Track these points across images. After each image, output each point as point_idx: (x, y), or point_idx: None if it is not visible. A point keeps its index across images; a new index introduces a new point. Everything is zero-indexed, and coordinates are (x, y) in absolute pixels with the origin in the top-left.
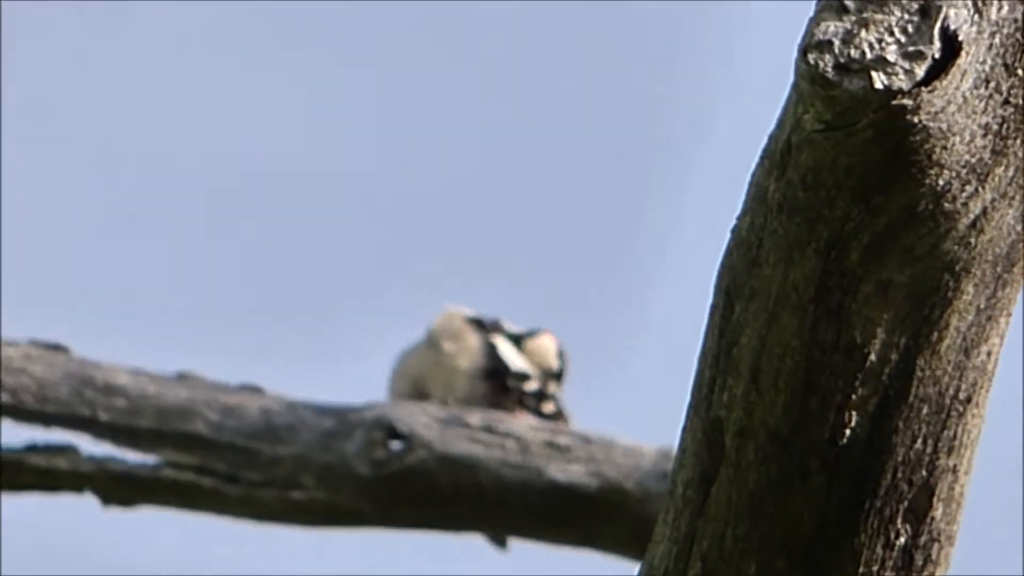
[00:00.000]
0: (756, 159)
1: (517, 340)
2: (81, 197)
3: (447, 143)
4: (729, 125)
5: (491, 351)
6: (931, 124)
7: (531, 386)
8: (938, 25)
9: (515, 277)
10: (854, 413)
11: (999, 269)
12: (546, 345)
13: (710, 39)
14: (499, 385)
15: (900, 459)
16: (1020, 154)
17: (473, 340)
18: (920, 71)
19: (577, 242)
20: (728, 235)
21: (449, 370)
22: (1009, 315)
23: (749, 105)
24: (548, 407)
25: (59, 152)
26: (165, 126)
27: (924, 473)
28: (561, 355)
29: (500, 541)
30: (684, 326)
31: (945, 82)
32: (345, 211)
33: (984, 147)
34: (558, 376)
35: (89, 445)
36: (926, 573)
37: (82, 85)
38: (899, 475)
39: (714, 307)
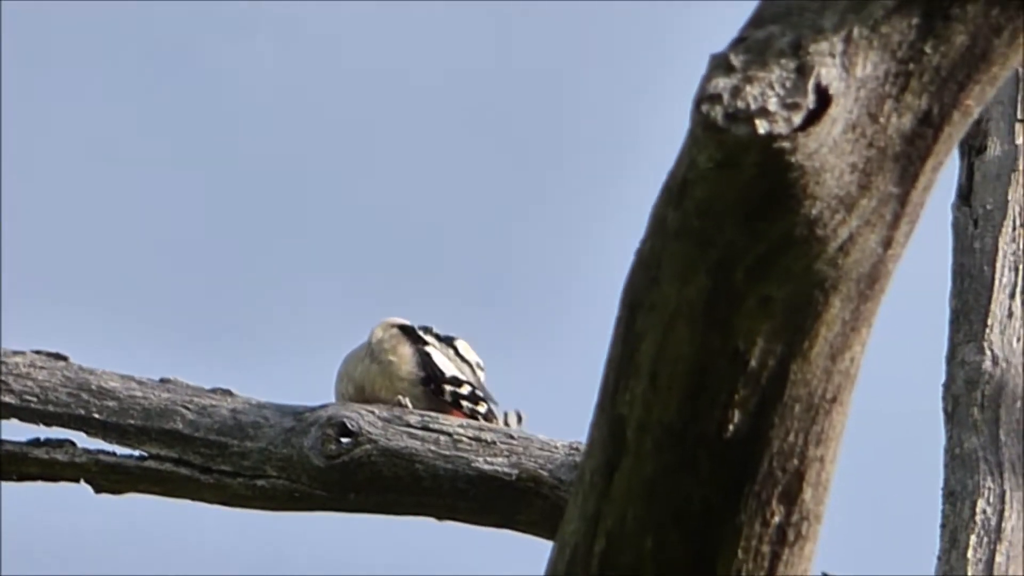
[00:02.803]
0: (657, 193)
1: (448, 341)
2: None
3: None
4: (635, 165)
5: (426, 359)
6: (806, 163)
7: (464, 389)
8: (812, 81)
9: (444, 289)
10: (737, 411)
11: (862, 286)
12: (466, 346)
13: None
14: (437, 388)
15: (775, 450)
16: (882, 188)
17: (408, 350)
18: (797, 119)
19: (506, 266)
20: (632, 257)
21: (391, 377)
22: (870, 326)
23: (657, 147)
24: (480, 407)
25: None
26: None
27: (796, 462)
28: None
29: (440, 518)
30: (591, 338)
31: (818, 128)
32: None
33: (851, 182)
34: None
35: (84, 441)
36: (797, 547)
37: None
38: (775, 464)
39: (619, 319)
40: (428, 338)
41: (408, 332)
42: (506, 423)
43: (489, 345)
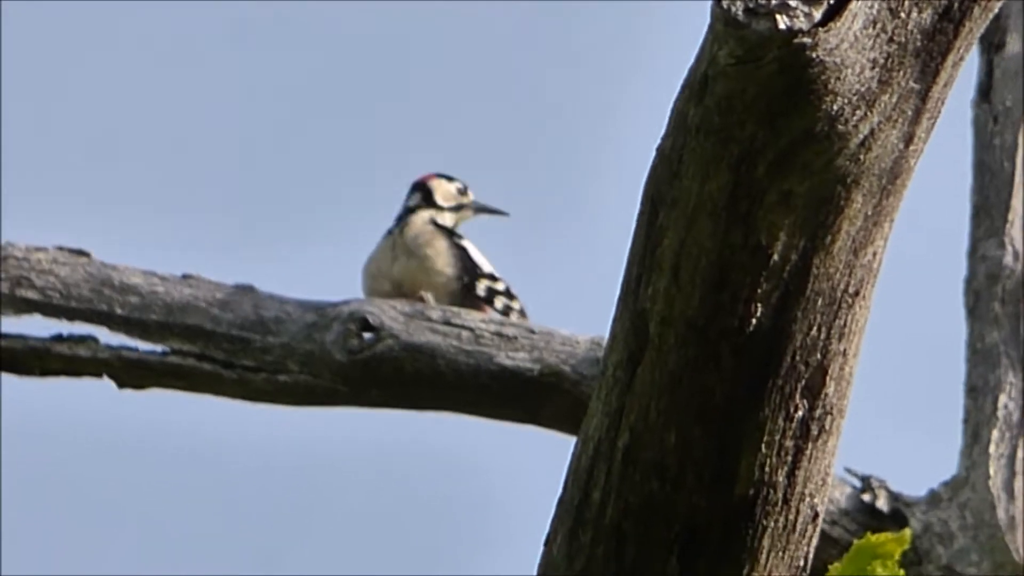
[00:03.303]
0: (677, 89)
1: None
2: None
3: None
4: (653, 62)
5: (463, 254)
6: (827, 59)
7: (500, 285)
8: None
9: (475, 182)
10: (759, 305)
11: (884, 181)
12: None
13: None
14: (470, 283)
15: (798, 344)
16: (903, 84)
17: (444, 244)
18: (817, 14)
19: (528, 161)
20: (653, 153)
21: (429, 272)
22: (892, 221)
23: (673, 46)
24: (515, 303)
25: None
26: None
27: (818, 356)
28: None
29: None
30: (613, 232)
31: (839, 23)
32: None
33: (872, 78)
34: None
35: (107, 336)
36: (821, 441)
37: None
38: (797, 358)
39: (641, 214)
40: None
41: (441, 227)
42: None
43: (511, 242)
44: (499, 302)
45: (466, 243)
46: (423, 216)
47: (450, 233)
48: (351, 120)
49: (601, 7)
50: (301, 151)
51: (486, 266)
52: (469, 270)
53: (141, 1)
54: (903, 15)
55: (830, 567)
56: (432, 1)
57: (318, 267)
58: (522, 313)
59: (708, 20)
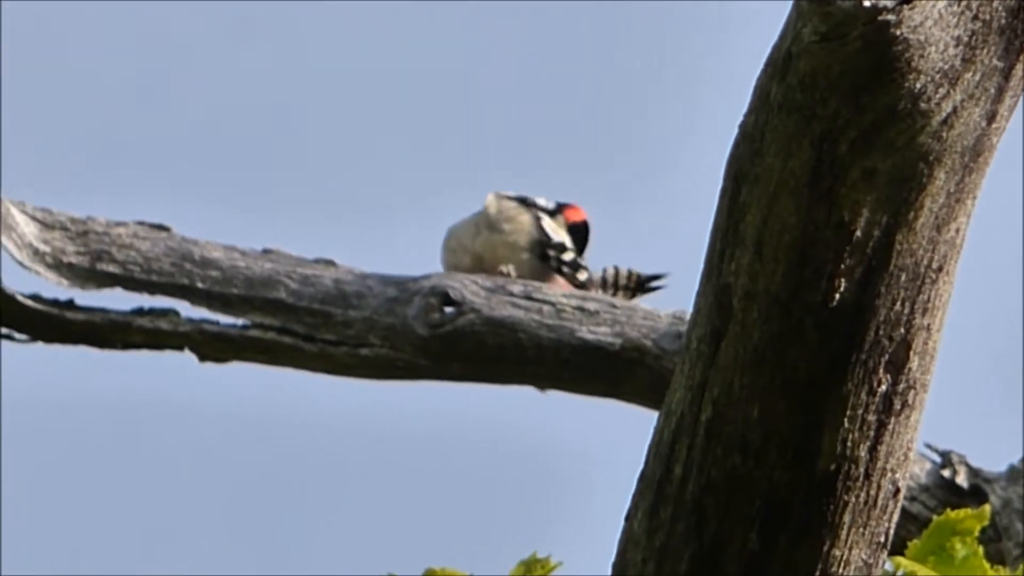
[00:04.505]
0: (761, 66)
1: (551, 214)
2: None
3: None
4: (737, 39)
5: (539, 224)
6: (911, 36)
7: (567, 256)
8: None
9: (550, 164)
10: (843, 280)
11: (966, 159)
12: (569, 218)
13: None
14: (543, 254)
15: (882, 319)
16: (986, 61)
17: (527, 218)
18: None
19: (609, 137)
20: (736, 130)
21: (513, 247)
22: (975, 197)
23: (757, 24)
24: (581, 275)
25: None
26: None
27: (902, 331)
28: (583, 227)
29: (542, 389)
30: (697, 208)
31: (923, 1)
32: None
33: (955, 56)
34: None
35: (188, 310)
36: (903, 416)
37: None
38: (881, 332)
39: (724, 191)
40: (540, 203)
41: (521, 201)
42: (615, 282)
43: (594, 217)
44: (566, 272)
45: (542, 215)
46: (506, 194)
47: (529, 206)
48: (436, 97)
49: None
50: (383, 127)
51: (556, 236)
52: (542, 240)
53: None
54: None
55: (909, 543)
56: None
57: (399, 242)
58: (588, 286)
59: None
